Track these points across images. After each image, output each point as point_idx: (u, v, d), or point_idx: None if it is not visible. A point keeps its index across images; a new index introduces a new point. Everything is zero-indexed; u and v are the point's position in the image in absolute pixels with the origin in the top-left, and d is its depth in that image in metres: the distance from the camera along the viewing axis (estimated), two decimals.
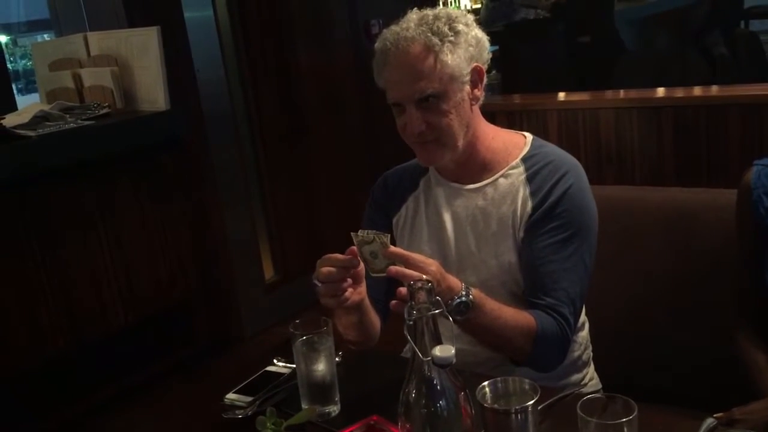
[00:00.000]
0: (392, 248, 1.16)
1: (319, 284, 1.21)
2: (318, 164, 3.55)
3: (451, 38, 1.29)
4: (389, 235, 1.16)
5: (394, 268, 1.13)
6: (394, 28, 1.33)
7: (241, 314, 3.17)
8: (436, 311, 0.88)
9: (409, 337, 0.88)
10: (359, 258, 1.18)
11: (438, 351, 0.86)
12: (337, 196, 3.64)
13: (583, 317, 1.46)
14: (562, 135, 2.47)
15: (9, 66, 4.36)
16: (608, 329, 1.56)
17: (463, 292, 1.19)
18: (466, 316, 1.19)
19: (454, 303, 1.18)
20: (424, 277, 1.07)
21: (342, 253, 1.20)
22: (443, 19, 1.30)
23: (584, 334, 1.48)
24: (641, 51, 5.92)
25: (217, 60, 3.09)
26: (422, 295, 0.88)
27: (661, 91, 2.56)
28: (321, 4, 3.55)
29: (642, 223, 1.61)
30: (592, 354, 1.51)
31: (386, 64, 1.32)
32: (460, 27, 1.31)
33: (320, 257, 1.22)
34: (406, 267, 1.14)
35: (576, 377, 1.44)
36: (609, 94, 2.56)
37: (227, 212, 3.11)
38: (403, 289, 1.07)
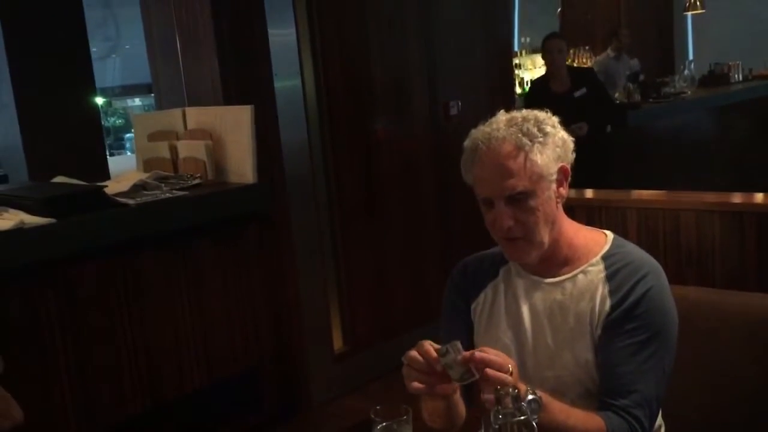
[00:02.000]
0: (465, 354, 1.17)
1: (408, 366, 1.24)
2: (392, 239, 3.63)
3: (541, 139, 1.35)
4: (458, 343, 1.18)
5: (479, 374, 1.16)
6: (484, 128, 1.38)
7: (309, 383, 3.22)
8: (522, 418, 0.91)
9: None
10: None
11: None
12: (409, 272, 3.69)
13: (659, 421, 1.45)
14: (641, 233, 2.49)
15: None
16: None
17: (530, 390, 1.21)
18: (538, 414, 1.20)
19: (527, 400, 1.19)
20: (509, 382, 1.09)
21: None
22: (532, 121, 1.36)
23: None
24: (721, 139, 5.85)
25: (303, 136, 3.23)
26: (508, 401, 0.92)
27: (739, 197, 2.57)
28: (403, 83, 3.68)
29: (722, 327, 1.60)
30: None
31: (476, 161, 1.37)
32: (548, 129, 1.37)
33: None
34: (486, 370, 1.17)
35: None
36: (686, 195, 2.58)
37: (302, 281, 3.20)
38: (489, 396, 1.09)
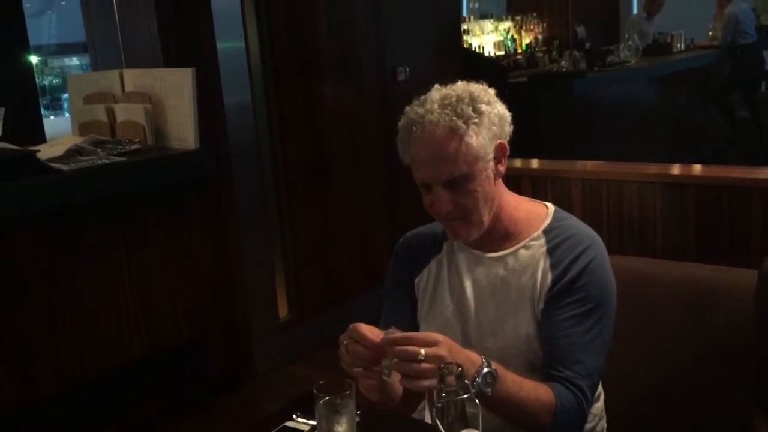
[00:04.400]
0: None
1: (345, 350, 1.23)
2: (338, 206, 3.59)
3: (476, 120, 1.31)
4: (393, 330, 1.18)
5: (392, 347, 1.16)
6: (418, 109, 1.34)
7: (253, 351, 3.19)
8: (465, 396, 0.91)
9: (437, 420, 0.91)
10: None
11: None
12: (355, 239, 3.67)
13: (599, 389, 1.48)
14: (585, 203, 2.53)
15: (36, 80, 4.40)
16: (623, 400, 1.57)
17: (485, 363, 1.21)
18: (493, 387, 1.21)
19: (482, 373, 1.19)
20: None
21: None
22: (466, 100, 1.32)
23: (599, 405, 1.50)
24: (662, 108, 5.96)
25: (247, 100, 3.15)
26: (452, 380, 0.91)
27: (679, 168, 2.64)
28: (350, 48, 3.62)
29: (661, 297, 1.63)
30: (606, 425, 1.52)
31: (412, 144, 1.34)
32: (483, 107, 1.33)
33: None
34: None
35: None
36: (629, 167, 2.62)
37: (246, 249, 3.15)
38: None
